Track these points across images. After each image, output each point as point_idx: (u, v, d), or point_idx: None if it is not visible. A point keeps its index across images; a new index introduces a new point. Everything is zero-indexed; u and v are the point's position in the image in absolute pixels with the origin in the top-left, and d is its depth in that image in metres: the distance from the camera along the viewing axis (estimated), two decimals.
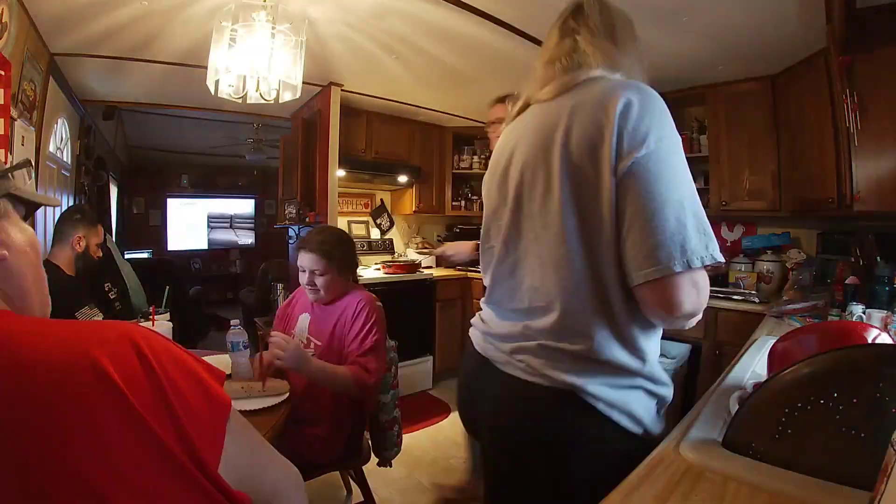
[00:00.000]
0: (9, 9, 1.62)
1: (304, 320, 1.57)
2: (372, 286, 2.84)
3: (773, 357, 0.91)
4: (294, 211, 3.25)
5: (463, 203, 3.96)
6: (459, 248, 1.80)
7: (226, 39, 1.62)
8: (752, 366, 1.10)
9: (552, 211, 0.74)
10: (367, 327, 1.44)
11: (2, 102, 1.60)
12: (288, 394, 1.26)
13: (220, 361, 1.45)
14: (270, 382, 1.27)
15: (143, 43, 2.21)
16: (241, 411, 1.19)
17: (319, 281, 1.48)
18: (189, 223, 6.48)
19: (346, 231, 3.63)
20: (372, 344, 1.43)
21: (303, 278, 1.51)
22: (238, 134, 4.82)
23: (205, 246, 6.62)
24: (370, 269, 3.38)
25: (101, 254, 1.93)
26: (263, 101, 1.77)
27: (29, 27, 1.88)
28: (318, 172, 3.04)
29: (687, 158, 0.70)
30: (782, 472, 0.61)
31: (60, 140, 2.73)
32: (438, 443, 2.54)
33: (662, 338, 0.80)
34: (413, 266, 3.36)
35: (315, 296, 1.52)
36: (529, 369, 0.76)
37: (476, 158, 3.89)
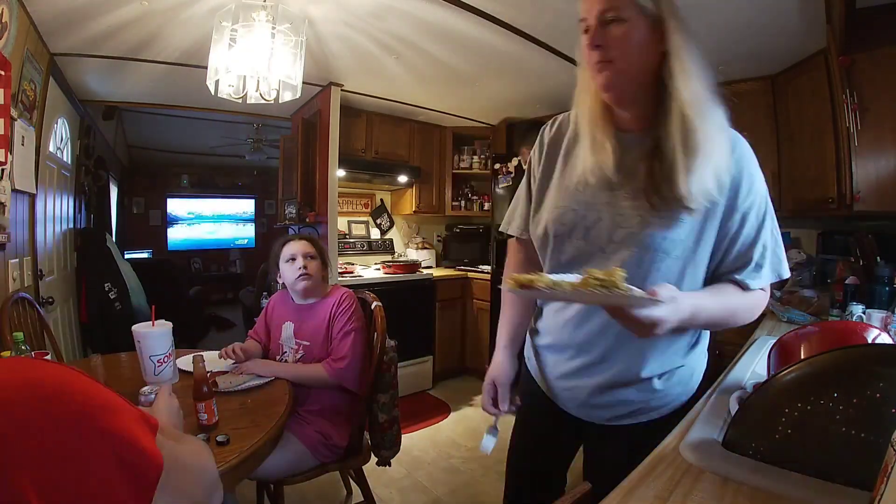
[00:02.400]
0: (9, 9, 1.62)
1: (287, 329, 1.60)
2: (372, 286, 2.84)
3: (773, 357, 0.91)
4: (294, 211, 3.25)
5: (463, 203, 3.92)
6: None
7: (226, 39, 1.62)
8: (752, 366, 1.10)
9: None
10: (347, 315, 1.53)
11: (2, 102, 1.60)
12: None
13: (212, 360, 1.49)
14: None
15: (143, 43, 2.20)
16: (238, 390, 1.25)
17: (312, 265, 1.55)
18: (189, 223, 6.48)
19: (346, 231, 3.66)
20: (348, 329, 1.51)
21: (292, 269, 1.55)
22: (238, 134, 4.82)
23: (204, 246, 6.62)
24: (370, 269, 3.38)
25: None
26: (263, 101, 1.77)
27: (29, 27, 1.88)
28: (318, 172, 3.04)
29: None
30: (782, 472, 0.61)
31: (60, 140, 2.73)
32: (438, 443, 2.54)
33: None
34: (413, 266, 3.35)
35: (307, 281, 1.55)
36: None
37: (476, 158, 3.86)
